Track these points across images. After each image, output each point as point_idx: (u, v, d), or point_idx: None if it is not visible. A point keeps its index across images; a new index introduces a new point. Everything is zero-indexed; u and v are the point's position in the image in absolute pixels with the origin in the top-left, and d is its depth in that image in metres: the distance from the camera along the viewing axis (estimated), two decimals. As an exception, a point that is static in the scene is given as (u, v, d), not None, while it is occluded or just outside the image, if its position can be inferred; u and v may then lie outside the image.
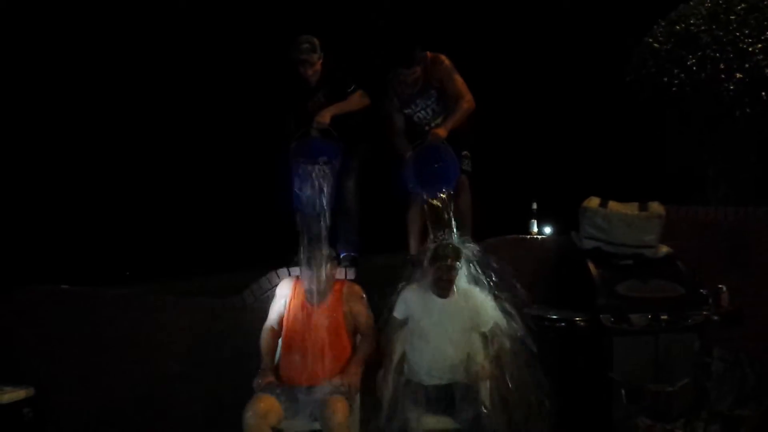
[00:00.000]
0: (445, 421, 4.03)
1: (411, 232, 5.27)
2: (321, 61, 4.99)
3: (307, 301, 4.17)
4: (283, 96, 5.21)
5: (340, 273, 4.51)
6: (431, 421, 4.02)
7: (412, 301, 4.27)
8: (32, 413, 4.57)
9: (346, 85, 4.98)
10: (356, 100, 4.99)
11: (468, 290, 4.29)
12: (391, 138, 5.09)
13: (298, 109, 5.10)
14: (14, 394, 4.48)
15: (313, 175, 4.55)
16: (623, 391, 4.33)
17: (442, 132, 4.69)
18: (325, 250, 4.21)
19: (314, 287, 4.14)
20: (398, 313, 4.28)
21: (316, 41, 4.95)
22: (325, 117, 4.78)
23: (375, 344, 4.19)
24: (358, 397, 4.04)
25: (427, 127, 4.99)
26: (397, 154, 4.99)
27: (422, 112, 5.06)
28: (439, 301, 4.22)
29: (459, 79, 4.94)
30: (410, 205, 5.23)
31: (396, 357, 4.29)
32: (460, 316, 4.21)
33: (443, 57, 4.95)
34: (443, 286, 4.21)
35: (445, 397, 4.11)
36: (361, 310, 4.22)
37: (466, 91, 4.90)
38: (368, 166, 5.20)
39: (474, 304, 4.25)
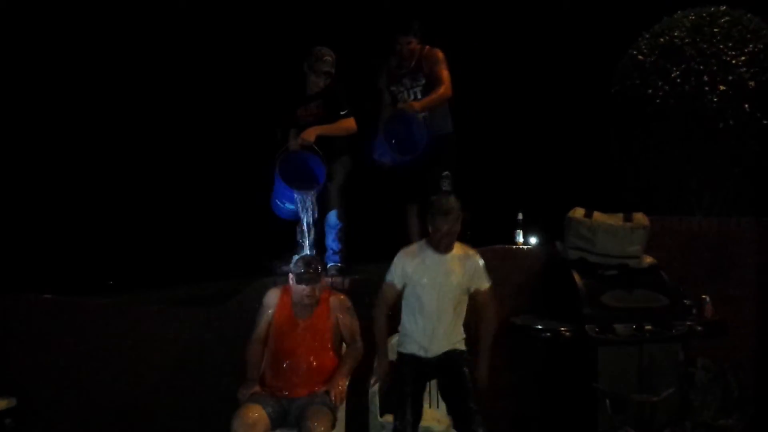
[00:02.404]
0: (439, 416, 4.11)
1: (412, 235, 5.33)
2: None
3: (294, 312, 4.16)
4: (276, 100, 5.26)
5: (326, 283, 4.50)
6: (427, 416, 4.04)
7: (409, 263, 4.04)
8: (14, 423, 4.54)
9: (340, 106, 5.06)
10: (344, 126, 5.10)
11: (465, 248, 4.13)
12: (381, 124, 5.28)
13: (288, 115, 5.15)
14: (-4, 405, 4.46)
15: (301, 196, 4.62)
16: (608, 401, 4.35)
17: (416, 104, 4.99)
18: (313, 261, 4.20)
19: (302, 298, 4.12)
20: (395, 279, 4.07)
21: (334, 55, 5.11)
22: (311, 136, 4.90)
23: (362, 354, 4.18)
24: (343, 407, 4.03)
25: None
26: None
27: (407, 92, 5.23)
28: (438, 257, 4.03)
29: (446, 71, 5.17)
30: (407, 211, 5.32)
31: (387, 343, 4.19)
32: (459, 273, 4.04)
33: (439, 50, 5.23)
34: (446, 242, 3.99)
35: (440, 368, 4.04)
36: (348, 321, 4.21)
37: (448, 81, 5.13)
38: (354, 177, 5.24)
39: (474, 262, 4.09)
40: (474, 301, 4.12)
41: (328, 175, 4.97)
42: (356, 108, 5.16)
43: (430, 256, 4.03)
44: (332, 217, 5.18)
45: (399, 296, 4.08)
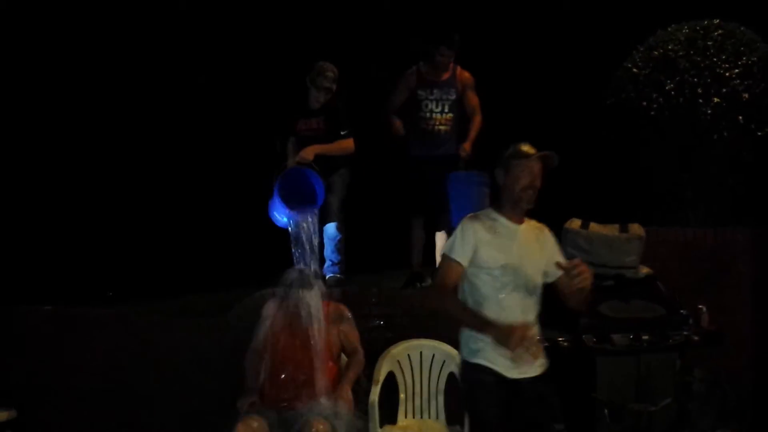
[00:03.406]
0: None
1: (414, 247, 5.43)
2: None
3: (292, 323, 4.17)
4: (277, 112, 5.31)
5: (325, 294, 4.51)
6: None
7: (481, 233, 3.06)
8: (14, 436, 4.54)
9: (341, 125, 5.12)
10: (343, 147, 5.19)
11: (529, 219, 3.25)
12: (386, 111, 5.55)
13: (288, 127, 5.20)
14: (-4, 417, 4.45)
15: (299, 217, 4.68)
16: (606, 411, 4.36)
17: (468, 147, 5.40)
18: (312, 272, 4.23)
19: (300, 309, 4.14)
20: (463, 255, 3.05)
21: (337, 71, 5.12)
22: (309, 155, 4.95)
23: (363, 364, 4.19)
24: (344, 420, 4.04)
25: (431, 124, 5.46)
26: (385, 123, 5.49)
27: (434, 103, 5.46)
28: (512, 227, 3.12)
29: (477, 97, 5.55)
30: (413, 221, 5.41)
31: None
32: (537, 250, 3.19)
33: (469, 74, 5.56)
34: (527, 200, 3.09)
35: (528, 401, 3.07)
36: (349, 331, 4.22)
37: (480, 110, 5.52)
38: (353, 189, 5.29)
39: (548, 236, 3.30)
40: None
41: (328, 187, 5.01)
42: (356, 123, 5.23)
43: (504, 225, 3.12)
44: (331, 228, 5.21)
45: (459, 279, 3.09)
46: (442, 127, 5.47)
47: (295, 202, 4.70)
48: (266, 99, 5.91)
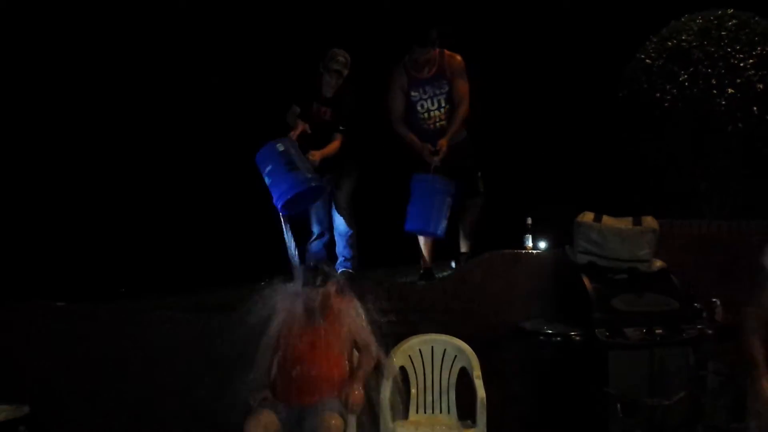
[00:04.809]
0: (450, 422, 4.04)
1: (424, 244, 5.38)
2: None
3: (304, 318, 4.17)
4: (290, 99, 5.31)
5: (337, 289, 4.50)
6: None
7: None
8: (27, 431, 4.55)
9: (343, 120, 5.18)
10: (333, 147, 5.17)
11: None
12: (393, 123, 5.33)
13: (302, 106, 5.20)
14: (9, 413, 4.47)
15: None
16: (619, 405, 4.34)
17: (444, 143, 5.05)
18: (323, 267, 4.22)
19: (311, 304, 4.14)
20: None
21: (348, 57, 5.11)
22: (316, 157, 4.96)
23: (374, 360, 4.18)
24: (355, 416, 4.04)
25: (430, 123, 5.27)
26: (398, 136, 5.28)
27: (429, 101, 5.27)
28: None
29: (466, 84, 5.25)
30: None
31: None
32: None
33: (459, 57, 5.27)
34: None
35: None
36: (360, 326, 4.21)
37: (467, 98, 5.22)
38: (362, 183, 5.28)
39: None
40: None
41: (336, 183, 5.01)
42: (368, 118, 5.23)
43: None
44: (342, 224, 5.21)
45: None
46: (443, 123, 5.30)
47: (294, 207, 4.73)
48: (277, 91, 5.90)
